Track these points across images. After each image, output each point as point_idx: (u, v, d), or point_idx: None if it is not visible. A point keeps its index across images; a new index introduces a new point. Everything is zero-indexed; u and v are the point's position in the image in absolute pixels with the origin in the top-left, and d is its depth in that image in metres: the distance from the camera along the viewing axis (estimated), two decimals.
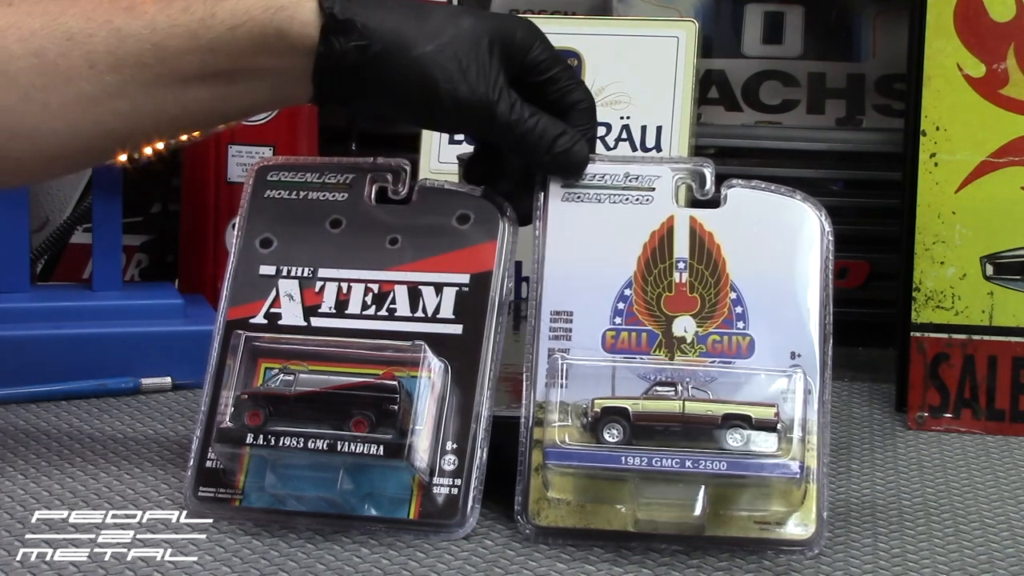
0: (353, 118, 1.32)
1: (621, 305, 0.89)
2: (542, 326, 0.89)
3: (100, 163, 1.22)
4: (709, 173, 0.91)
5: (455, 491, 0.86)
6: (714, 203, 0.91)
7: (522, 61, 0.90)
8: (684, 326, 0.88)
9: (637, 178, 0.91)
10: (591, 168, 0.91)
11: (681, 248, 0.90)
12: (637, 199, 0.91)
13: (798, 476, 0.83)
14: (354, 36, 0.88)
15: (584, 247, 0.90)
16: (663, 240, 0.90)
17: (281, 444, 0.85)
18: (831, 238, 0.90)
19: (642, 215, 0.90)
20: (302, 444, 0.85)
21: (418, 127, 0.93)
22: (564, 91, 0.91)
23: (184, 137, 1.15)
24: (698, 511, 0.83)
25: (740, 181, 0.91)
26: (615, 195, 0.91)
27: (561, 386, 0.87)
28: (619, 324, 0.89)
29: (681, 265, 0.89)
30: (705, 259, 0.89)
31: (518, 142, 0.90)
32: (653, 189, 0.91)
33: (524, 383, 0.88)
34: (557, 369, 0.87)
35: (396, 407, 0.85)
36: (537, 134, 0.89)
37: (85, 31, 0.88)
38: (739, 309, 0.88)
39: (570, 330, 0.89)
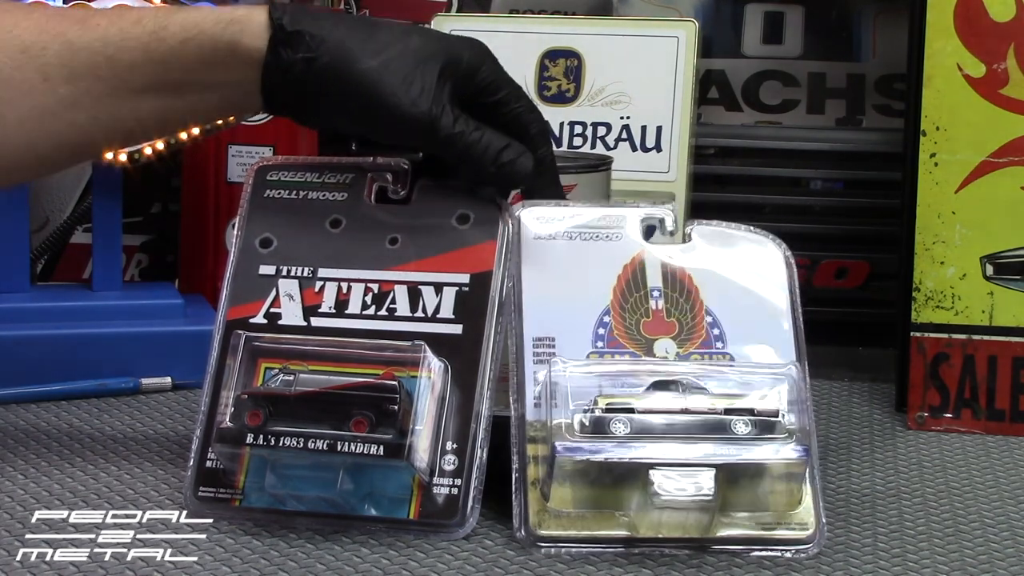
0: None
1: (601, 330, 0.90)
2: (525, 352, 0.89)
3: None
4: (670, 218, 0.92)
5: (455, 491, 0.86)
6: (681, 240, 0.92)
7: (470, 82, 0.91)
8: (665, 348, 0.89)
9: (604, 217, 0.92)
10: (559, 211, 0.92)
11: (654, 279, 0.91)
12: (607, 236, 0.92)
13: (807, 458, 0.84)
14: (302, 48, 0.88)
15: (559, 279, 0.91)
16: (635, 272, 0.91)
17: (281, 444, 0.85)
18: (795, 270, 0.91)
19: (613, 250, 0.92)
20: (302, 444, 0.84)
21: (366, 140, 0.94)
22: (514, 113, 0.92)
23: (184, 136, 1.15)
24: (711, 497, 0.83)
25: (703, 221, 0.93)
26: (585, 232, 0.92)
27: (556, 402, 0.87)
28: (601, 348, 0.89)
29: (656, 293, 0.91)
30: (678, 288, 0.91)
31: (461, 155, 0.90)
32: (621, 227, 0.92)
33: (511, 407, 0.88)
34: (554, 383, 0.87)
35: (396, 407, 0.85)
36: (481, 147, 0.90)
37: (38, 44, 0.89)
38: (716, 331, 0.90)
39: (553, 354, 0.89)
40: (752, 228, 0.93)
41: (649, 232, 0.92)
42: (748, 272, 0.92)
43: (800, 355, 0.89)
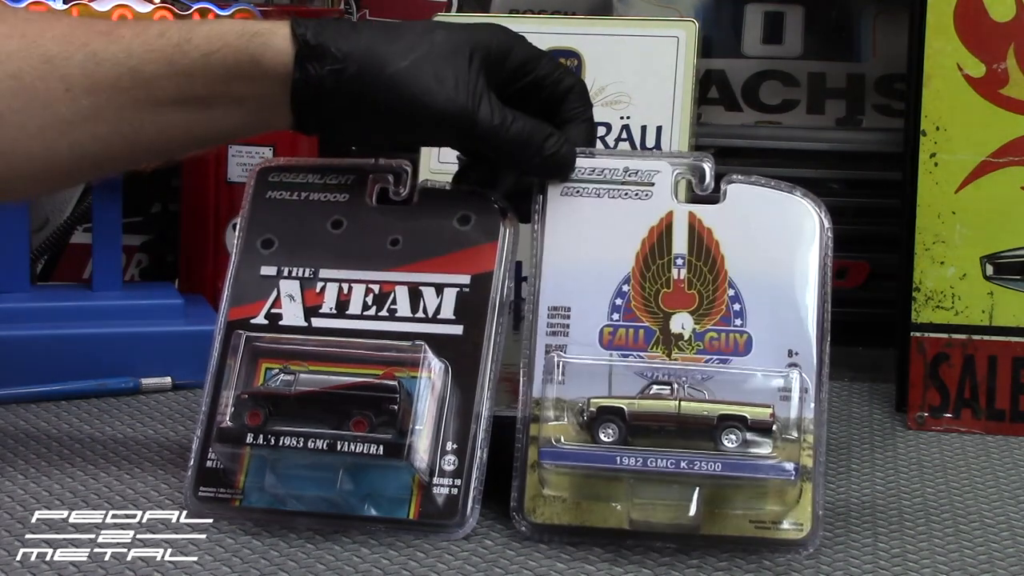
0: None
1: (619, 301, 0.89)
2: (539, 322, 0.89)
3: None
4: (709, 168, 0.91)
5: (455, 491, 0.86)
6: (713, 199, 0.91)
7: (503, 66, 0.90)
8: (682, 323, 0.88)
9: (636, 172, 0.91)
10: (590, 163, 0.91)
11: (679, 244, 0.90)
12: (636, 194, 0.91)
13: (793, 478, 0.83)
14: (328, 61, 0.87)
15: (582, 242, 0.90)
16: (661, 236, 0.90)
17: (281, 444, 0.85)
18: (830, 235, 0.90)
19: (641, 210, 0.90)
20: (302, 444, 0.85)
21: (404, 147, 0.93)
22: (555, 82, 0.91)
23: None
24: (692, 512, 0.83)
25: (740, 176, 0.91)
26: (614, 190, 0.91)
27: (558, 382, 0.87)
28: (616, 320, 0.89)
29: (679, 261, 0.89)
30: (703, 256, 0.89)
31: (503, 147, 0.89)
32: (652, 184, 0.91)
33: (520, 379, 0.88)
34: (553, 367, 0.87)
35: (396, 407, 0.85)
36: (524, 139, 0.89)
37: (62, 54, 0.88)
38: (737, 306, 0.88)
39: (567, 326, 0.89)
40: (789, 187, 0.91)
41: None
42: (779, 239, 0.89)
43: (822, 336, 0.87)
